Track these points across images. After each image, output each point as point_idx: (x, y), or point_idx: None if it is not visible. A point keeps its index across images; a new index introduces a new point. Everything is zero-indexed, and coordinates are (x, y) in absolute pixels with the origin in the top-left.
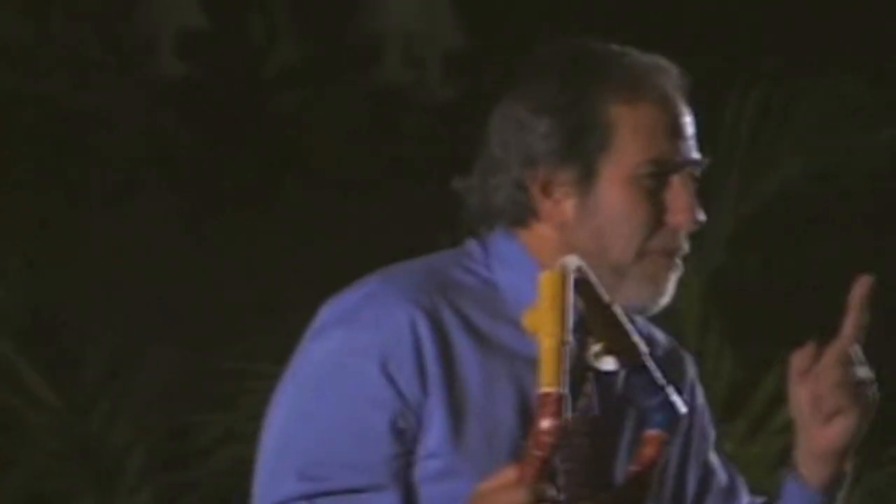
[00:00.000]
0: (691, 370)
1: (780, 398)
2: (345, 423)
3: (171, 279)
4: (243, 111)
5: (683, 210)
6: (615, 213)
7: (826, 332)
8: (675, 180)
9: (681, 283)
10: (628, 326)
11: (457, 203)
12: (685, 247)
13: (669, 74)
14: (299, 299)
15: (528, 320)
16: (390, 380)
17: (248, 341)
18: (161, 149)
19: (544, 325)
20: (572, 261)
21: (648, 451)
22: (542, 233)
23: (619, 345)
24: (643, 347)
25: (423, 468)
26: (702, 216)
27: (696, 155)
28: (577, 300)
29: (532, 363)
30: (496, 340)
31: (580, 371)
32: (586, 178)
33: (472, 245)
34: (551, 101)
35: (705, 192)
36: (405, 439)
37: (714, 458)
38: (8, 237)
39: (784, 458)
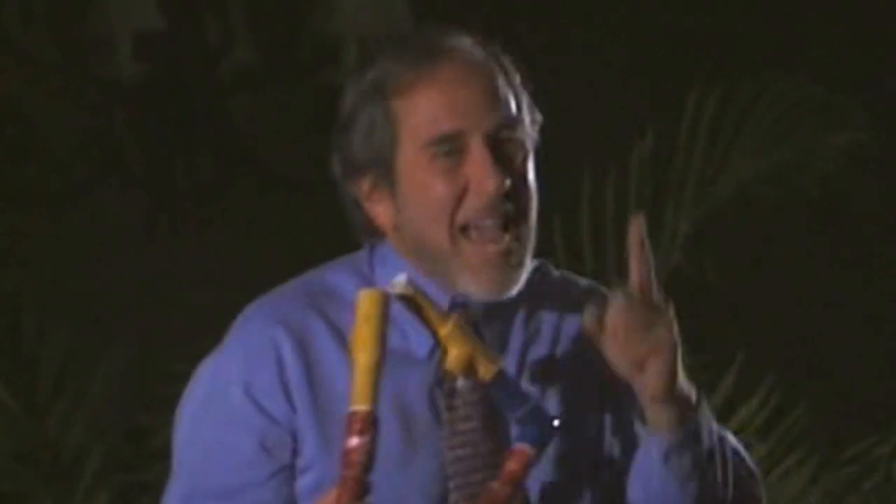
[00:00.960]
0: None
1: (736, 401)
2: (214, 450)
3: (127, 280)
4: (199, 112)
5: (480, 177)
6: (419, 199)
7: (781, 333)
8: (472, 151)
9: None
10: (475, 339)
11: None
12: (505, 216)
13: (447, 51)
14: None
15: (349, 339)
16: (255, 403)
17: (203, 342)
18: (116, 150)
19: (357, 343)
20: (399, 280)
21: (511, 467)
22: (393, 237)
23: (470, 358)
24: (497, 360)
25: (301, 482)
26: (505, 180)
27: (486, 118)
28: (406, 318)
29: (412, 361)
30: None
31: (447, 385)
32: (387, 177)
33: (364, 248)
34: (350, 111)
35: (662, 193)
36: (279, 457)
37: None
38: None
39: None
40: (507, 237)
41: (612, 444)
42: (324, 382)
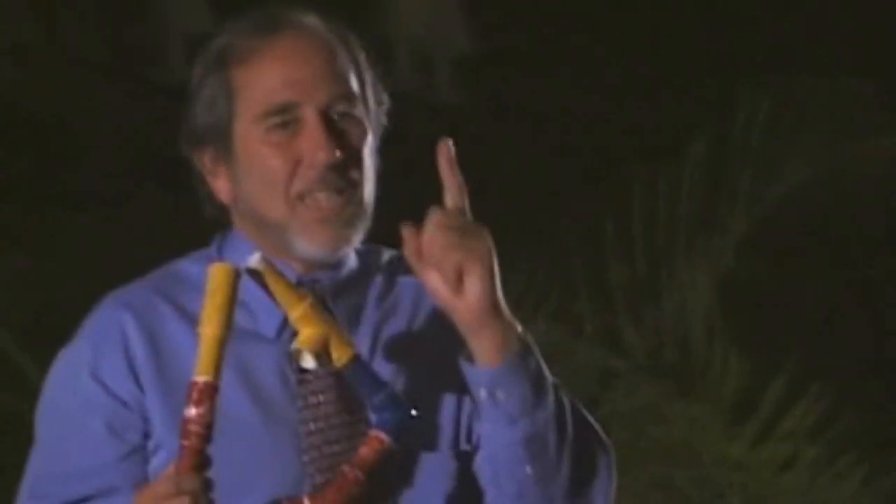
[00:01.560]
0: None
1: (787, 403)
2: (64, 434)
3: None
4: None
5: (314, 149)
6: (255, 172)
7: (832, 336)
8: (306, 123)
9: (689, 288)
10: (331, 322)
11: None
12: (339, 187)
13: (290, 26)
14: None
15: (200, 312)
16: (101, 384)
17: None
18: (167, 153)
19: (204, 316)
20: (254, 258)
21: (364, 452)
22: (233, 212)
23: (323, 340)
24: (352, 345)
25: (154, 462)
26: (335, 152)
27: (321, 92)
28: (255, 297)
29: (261, 341)
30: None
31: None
32: (227, 149)
33: (217, 236)
34: (193, 84)
35: (715, 196)
36: (128, 439)
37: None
38: (12, 239)
39: (792, 461)
40: (339, 199)
41: (469, 425)
42: (171, 363)
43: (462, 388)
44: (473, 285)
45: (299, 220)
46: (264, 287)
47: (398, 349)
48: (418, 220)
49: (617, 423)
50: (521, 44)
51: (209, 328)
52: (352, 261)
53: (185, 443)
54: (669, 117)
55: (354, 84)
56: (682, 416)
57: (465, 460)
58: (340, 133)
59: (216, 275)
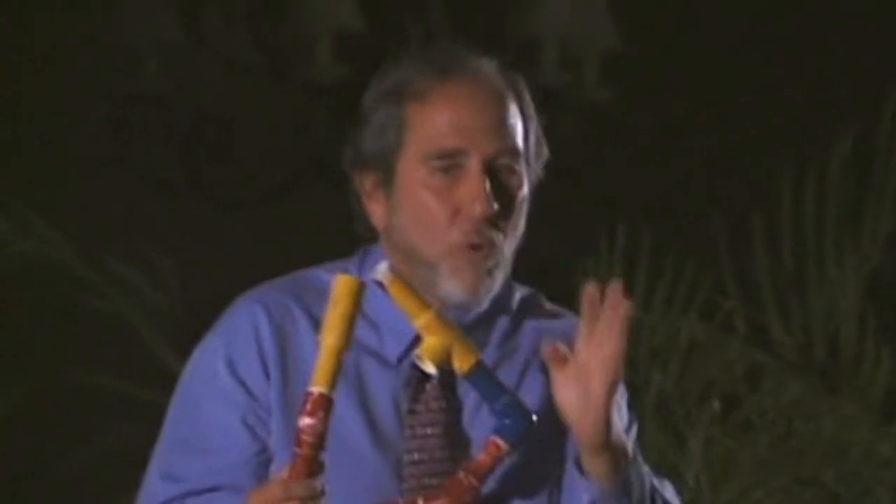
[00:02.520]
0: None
1: None
2: (201, 426)
3: None
4: None
5: (474, 200)
6: (412, 210)
7: None
8: (469, 172)
9: (838, 285)
10: (458, 331)
11: (610, 201)
12: (493, 238)
13: (472, 72)
14: None
15: (322, 321)
16: (237, 378)
17: None
18: (316, 151)
19: (325, 326)
20: (381, 268)
21: (482, 458)
22: (384, 236)
23: (447, 348)
24: (476, 351)
25: (274, 465)
26: (493, 206)
27: (491, 144)
28: (385, 321)
29: (385, 363)
30: (357, 352)
31: (412, 390)
32: (388, 179)
33: (360, 250)
34: (368, 106)
35: (865, 191)
36: (260, 436)
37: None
38: (162, 239)
39: None
40: (490, 250)
41: (551, 481)
42: (296, 369)
43: (562, 437)
44: (591, 422)
45: (450, 264)
46: (391, 295)
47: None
48: (566, 218)
49: (764, 420)
50: (670, 39)
51: (330, 338)
52: (484, 301)
53: (298, 450)
54: (818, 114)
55: (520, 137)
56: (831, 414)
57: None
58: (500, 186)
59: (341, 285)
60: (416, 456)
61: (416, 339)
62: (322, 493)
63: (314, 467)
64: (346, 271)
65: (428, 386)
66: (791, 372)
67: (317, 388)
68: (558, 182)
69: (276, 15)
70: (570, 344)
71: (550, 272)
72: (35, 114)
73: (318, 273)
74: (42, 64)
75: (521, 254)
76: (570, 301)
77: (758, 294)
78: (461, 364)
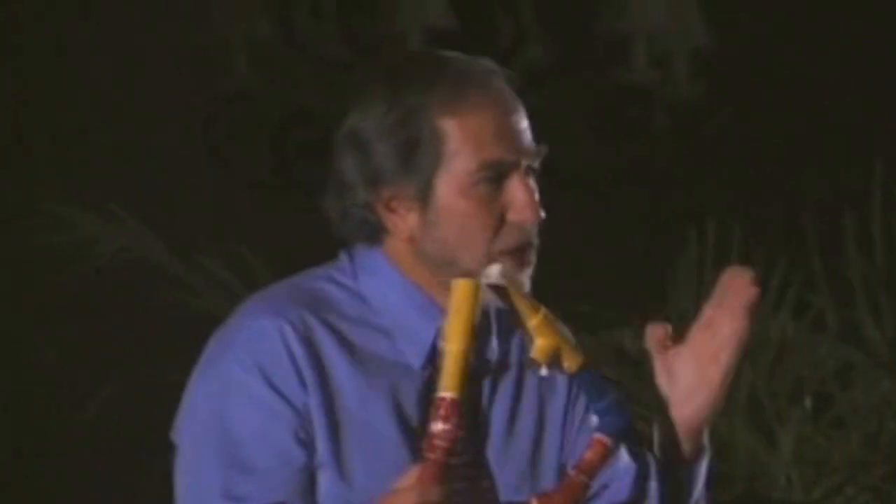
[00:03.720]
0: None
1: None
2: (247, 439)
3: None
4: None
5: (523, 207)
6: (456, 222)
7: None
8: (512, 179)
9: None
10: (565, 331)
11: (701, 198)
12: (535, 241)
13: (493, 77)
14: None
15: (443, 328)
16: (278, 392)
17: None
18: None
19: (448, 331)
20: (493, 270)
21: (589, 456)
22: (396, 245)
23: (556, 349)
24: (582, 353)
25: (321, 480)
26: (541, 212)
27: (529, 149)
28: (402, 333)
29: (407, 370)
30: (368, 351)
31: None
32: (424, 192)
33: (342, 257)
34: (383, 120)
35: None
36: (306, 446)
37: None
38: (254, 237)
39: None
40: (532, 252)
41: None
42: (331, 379)
43: (552, 442)
44: (696, 409)
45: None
46: (502, 296)
47: (508, 401)
48: (656, 216)
49: (856, 418)
50: (759, 37)
51: (455, 344)
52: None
53: (431, 455)
54: None
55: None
56: None
57: None
58: (534, 186)
59: (462, 290)
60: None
61: (434, 348)
62: (452, 496)
63: (446, 472)
64: (339, 280)
65: None
66: (882, 369)
67: (448, 394)
68: (649, 179)
69: (366, 11)
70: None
71: (641, 270)
72: (127, 112)
73: (313, 284)
74: (134, 64)
75: (611, 251)
76: (660, 298)
77: (849, 292)
78: (569, 364)
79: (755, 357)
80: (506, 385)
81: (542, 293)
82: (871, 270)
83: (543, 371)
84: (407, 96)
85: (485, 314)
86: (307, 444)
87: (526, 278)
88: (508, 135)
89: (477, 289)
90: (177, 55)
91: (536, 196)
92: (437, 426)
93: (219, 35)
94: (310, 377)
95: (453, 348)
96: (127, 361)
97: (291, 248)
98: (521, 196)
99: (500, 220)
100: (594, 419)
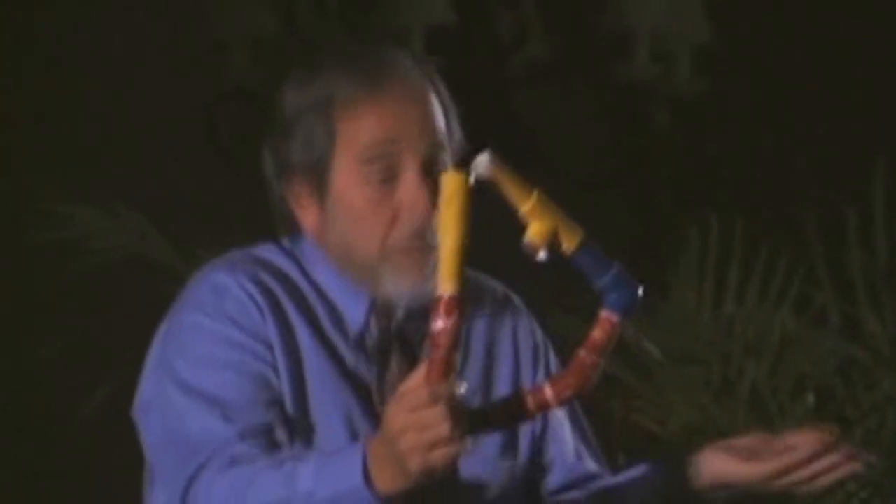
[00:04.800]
0: (524, 318)
1: None
2: (233, 376)
3: None
4: (488, 106)
5: (411, 206)
6: (350, 215)
7: None
8: (406, 178)
9: None
10: (557, 212)
11: (702, 193)
12: (433, 243)
13: (399, 70)
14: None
15: (436, 222)
16: (249, 333)
17: None
18: None
19: (441, 226)
20: (482, 160)
21: (597, 335)
22: (314, 239)
23: (552, 231)
24: (579, 231)
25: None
26: (432, 209)
27: (430, 142)
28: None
29: (349, 339)
30: (317, 313)
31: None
32: (321, 186)
33: (286, 241)
34: (289, 116)
35: None
36: (276, 382)
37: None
38: (257, 235)
39: None
40: (431, 251)
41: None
42: (290, 326)
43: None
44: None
45: (391, 266)
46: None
47: (467, 374)
48: (658, 211)
49: (858, 414)
50: (761, 33)
51: (448, 239)
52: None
53: (436, 353)
54: None
55: (444, 129)
56: None
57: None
58: (435, 185)
59: (451, 182)
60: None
61: (367, 322)
62: (458, 387)
63: (451, 368)
64: (285, 251)
65: (392, 361)
66: (884, 366)
67: (446, 291)
68: (650, 174)
69: (369, 9)
70: (495, 300)
71: (643, 264)
72: (130, 109)
73: (260, 253)
74: (137, 61)
75: (615, 246)
76: (662, 293)
77: (851, 287)
78: (568, 244)
79: (757, 352)
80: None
81: (543, 288)
82: (873, 266)
83: (542, 255)
84: (310, 94)
85: None
86: (275, 380)
87: (425, 270)
88: (399, 137)
89: (466, 181)
90: (180, 52)
91: (430, 196)
92: (438, 324)
93: (222, 32)
94: (272, 324)
95: (447, 243)
96: (128, 359)
97: None
98: (410, 195)
99: (394, 218)
100: (601, 298)
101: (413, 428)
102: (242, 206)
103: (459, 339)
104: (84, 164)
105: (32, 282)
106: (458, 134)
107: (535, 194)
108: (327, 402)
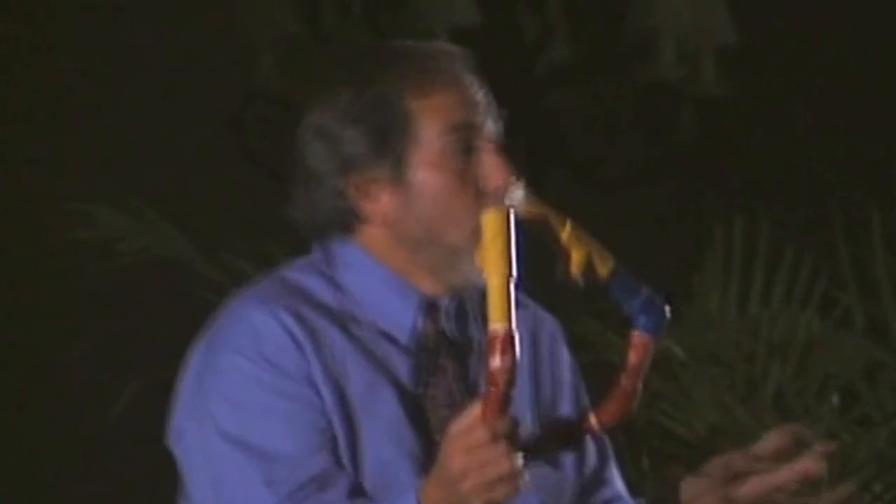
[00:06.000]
0: (557, 332)
1: None
2: (278, 426)
3: None
4: (513, 107)
5: (494, 173)
6: (435, 198)
7: None
8: (483, 152)
9: None
10: (589, 238)
11: (727, 194)
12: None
13: (455, 57)
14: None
15: (477, 260)
16: (288, 376)
17: None
18: None
19: (487, 263)
20: (516, 195)
21: (634, 359)
22: (372, 232)
23: (588, 258)
24: (611, 257)
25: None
26: (513, 176)
27: (493, 124)
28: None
29: (396, 354)
30: (357, 338)
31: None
32: (398, 172)
33: (316, 252)
34: (350, 108)
35: None
36: (323, 418)
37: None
38: (280, 235)
39: None
40: None
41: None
42: (332, 359)
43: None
44: None
45: (476, 245)
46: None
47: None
48: (683, 211)
49: (883, 416)
50: (786, 34)
51: (495, 277)
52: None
53: (493, 389)
54: None
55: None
56: None
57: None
58: (506, 159)
59: (494, 221)
60: (438, 438)
61: (415, 326)
62: (518, 423)
63: (508, 403)
64: (318, 270)
65: (440, 365)
66: None
67: (501, 328)
68: (675, 176)
69: (393, 9)
70: (537, 320)
71: (667, 267)
72: (154, 110)
73: (300, 275)
74: (161, 61)
75: (638, 248)
76: (687, 296)
77: (876, 289)
78: (602, 269)
79: (782, 354)
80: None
81: (566, 290)
82: None
83: (580, 282)
84: (374, 83)
85: (469, 300)
86: (325, 422)
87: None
88: (472, 105)
89: (508, 217)
90: (204, 52)
91: (508, 167)
92: (496, 361)
93: (246, 33)
94: (312, 356)
95: (494, 281)
96: (153, 360)
97: None
98: (491, 163)
99: (477, 192)
100: (632, 321)
101: (474, 468)
102: (267, 208)
103: (515, 376)
104: (111, 166)
105: (59, 283)
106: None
107: (568, 224)
108: (376, 419)
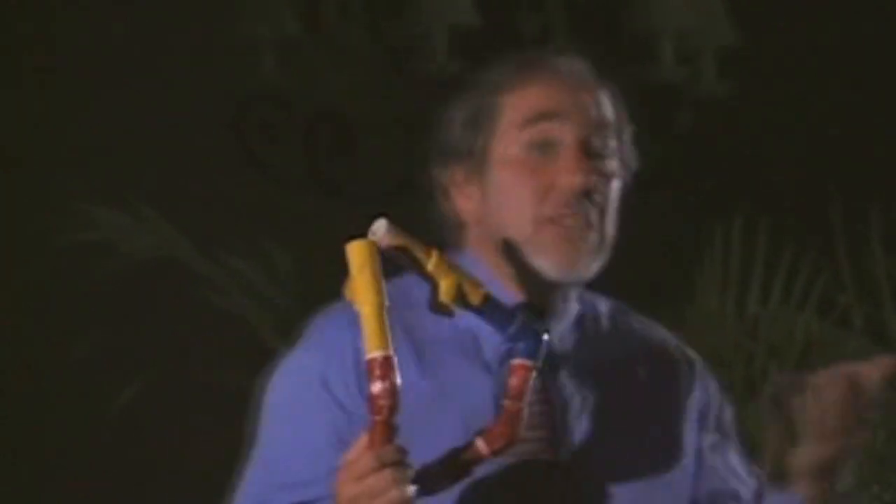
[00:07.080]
0: (700, 371)
1: None
2: (292, 441)
3: None
4: None
5: (568, 172)
6: (504, 189)
7: None
8: (563, 150)
9: None
10: (458, 268)
11: (727, 195)
12: (588, 214)
13: (562, 60)
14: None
15: (346, 292)
16: (331, 394)
17: None
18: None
19: (357, 293)
20: (380, 225)
21: (514, 382)
22: (475, 238)
23: (458, 287)
24: (482, 284)
25: None
26: (590, 179)
27: (588, 122)
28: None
29: (485, 371)
30: (448, 352)
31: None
32: (480, 167)
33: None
34: (458, 102)
35: None
36: (345, 448)
37: (717, 459)
38: (282, 235)
39: None
40: (585, 224)
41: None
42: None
43: (671, 447)
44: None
45: (543, 239)
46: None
47: (611, 399)
48: (683, 212)
49: (881, 416)
50: (786, 35)
51: (367, 306)
52: (573, 305)
53: (378, 417)
54: None
55: (612, 131)
56: None
57: None
58: (595, 167)
59: (359, 251)
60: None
61: (509, 351)
62: (406, 452)
63: (394, 431)
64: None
65: (559, 374)
66: None
67: (378, 353)
68: (675, 176)
69: (393, 10)
70: (664, 352)
71: (667, 266)
72: (156, 111)
73: (406, 282)
74: (163, 62)
75: (638, 248)
76: (687, 292)
77: (875, 289)
78: (473, 298)
79: (781, 354)
80: (589, 383)
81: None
82: None
83: (454, 312)
84: (481, 79)
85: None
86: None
87: (571, 252)
88: (562, 104)
89: (372, 246)
90: (205, 54)
91: (587, 170)
92: (377, 386)
93: (247, 34)
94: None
95: (366, 310)
96: (154, 360)
97: (320, 248)
98: (568, 163)
99: (549, 188)
100: (508, 347)
101: (363, 496)
102: (267, 208)
103: (398, 400)
104: (112, 167)
105: (61, 283)
106: (628, 157)
107: (434, 254)
108: (457, 413)
